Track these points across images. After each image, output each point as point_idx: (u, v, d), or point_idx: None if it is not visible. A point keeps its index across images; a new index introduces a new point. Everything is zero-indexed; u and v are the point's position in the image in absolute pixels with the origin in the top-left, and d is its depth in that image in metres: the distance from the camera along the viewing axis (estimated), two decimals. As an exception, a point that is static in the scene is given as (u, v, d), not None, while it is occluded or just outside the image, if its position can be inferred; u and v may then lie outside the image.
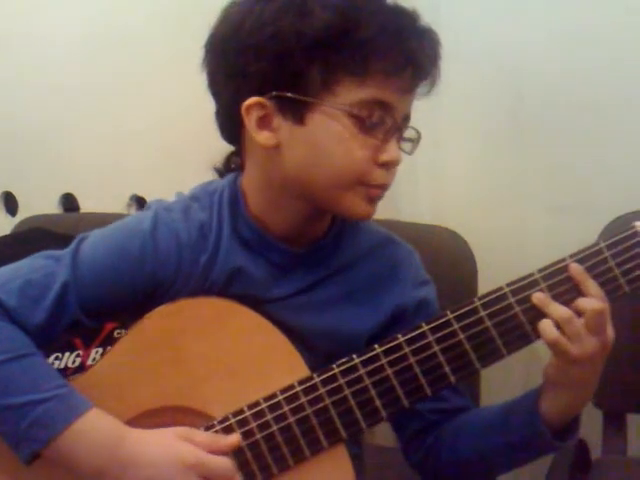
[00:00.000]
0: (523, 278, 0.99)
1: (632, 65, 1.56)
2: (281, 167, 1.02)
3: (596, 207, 1.61)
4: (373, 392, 0.99)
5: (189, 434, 0.98)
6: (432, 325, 0.99)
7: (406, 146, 1.04)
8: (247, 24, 0.99)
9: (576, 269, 0.97)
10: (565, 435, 1.02)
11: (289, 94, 0.98)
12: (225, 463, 0.97)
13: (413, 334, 1.00)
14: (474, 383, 1.48)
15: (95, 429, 0.96)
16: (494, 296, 0.99)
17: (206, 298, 1.04)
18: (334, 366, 1.00)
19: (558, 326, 0.96)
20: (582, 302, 0.96)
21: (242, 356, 1.02)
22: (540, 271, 0.99)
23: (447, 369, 0.99)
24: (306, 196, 1.04)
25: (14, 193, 2.11)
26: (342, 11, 0.96)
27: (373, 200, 1.03)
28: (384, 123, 0.99)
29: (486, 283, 1.53)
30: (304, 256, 1.09)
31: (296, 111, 0.99)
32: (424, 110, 1.67)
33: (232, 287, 1.06)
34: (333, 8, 0.96)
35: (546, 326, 0.96)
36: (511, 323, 0.98)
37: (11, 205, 2.12)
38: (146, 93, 1.87)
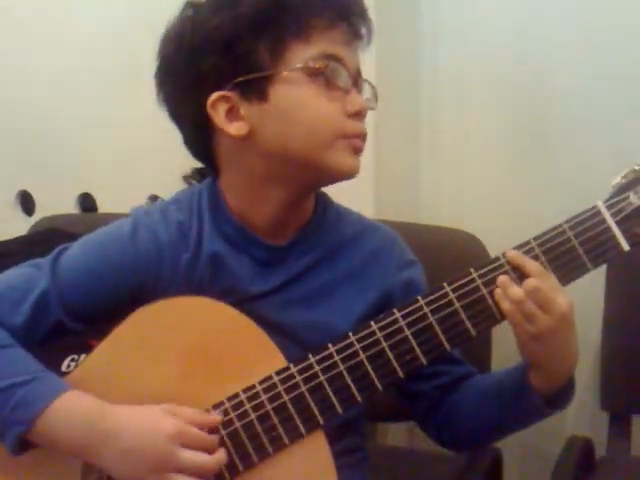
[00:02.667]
0: (491, 261, 1.02)
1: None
2: (260, 151, 1.05)
3: None
4: (347, 378, 1.02)
5: (172, 409, 1.00)
6: (404, 311, 1.02)
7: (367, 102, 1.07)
8: (187, 30, 1.04)
9: (512, 255, 1.01)
10: (557, 402, 1.05)
11: (246, 77, 1.02)
12: (207, 435, 1.00)
13: (386, 321, 1.02)
14: (485, 354, 1.51)
15: (76, 406, 0.99)
16: (462, 281, 1.02)
17: (183, 297, 1.06)
18: (310, 355, 1.03)
19: (514, 303, 0.99)
20: (524, 284, 0.99)
21: (220, 351, 1.04)
22: (504, 256, 1.01)
23: (418, 351, 1.02)
24: (290, 174, 1.06)
25: (31, 192, 2.11)
26: None
27: (356, 152, 1.05)
28: (340, 74, 1.03)
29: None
30: (287, 249, 1.11)
31: (258, 91, 1.02)
32: (449, 111, 1.70)
33: (217, 284, 1.08)
34: None
35: (501, 300, 1.00)
36: (480, 305, 1.01)
37: (28, 205, 2.11)
38: None
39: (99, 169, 2.00)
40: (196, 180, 1.86)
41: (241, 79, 1.02)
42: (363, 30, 1.06)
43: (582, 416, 1.70)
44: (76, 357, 1.45)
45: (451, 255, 1.39)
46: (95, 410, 0.99)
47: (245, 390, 1.02)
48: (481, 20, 1.78)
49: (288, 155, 1.04)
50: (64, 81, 1.99)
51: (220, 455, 1.00)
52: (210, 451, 0.99)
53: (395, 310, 1.03)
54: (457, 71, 1.83)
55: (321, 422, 1.02)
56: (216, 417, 1.01)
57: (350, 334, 1.03)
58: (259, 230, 1.10)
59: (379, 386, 1.02)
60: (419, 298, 1.02)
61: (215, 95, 1.03)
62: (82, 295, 1.07)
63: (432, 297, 1.02)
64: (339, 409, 1.02)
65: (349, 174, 1.06)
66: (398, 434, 1.94)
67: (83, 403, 1.00)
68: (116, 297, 1.07)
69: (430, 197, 1.88)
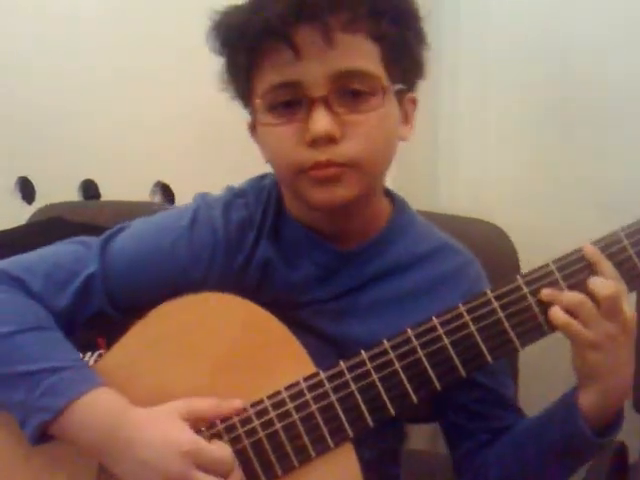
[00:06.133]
0: (537, 269, 0.95)
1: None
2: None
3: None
4: (380, 387, 0.95)
5: (190, 407, 0.95)
6: (442, 318, 0.96)
7: (369, 103, 0.95)
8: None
9: (591, 250, 0.93)
10: (605, 432, 0.96)
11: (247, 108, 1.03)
12: (224, 453, 0.93)
13: (423, 327, 0.96)
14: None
15: (103, 405, 0.94)
16: (506, 289, 0.95)
17: (211, 293, 1.00)
18: (341, 362, 0.96)
19: (571, 313, 0.91)
20: (594, 286, 0.91)
21: (246, 352, 0.98)
22: (555, 262, 0.95)
23: (456, 361, 0.95)
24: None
25: (31, 179, 2.04)
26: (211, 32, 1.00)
27: (322, 183, 0.95)
28: (296, 102, 0.95)
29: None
30: (350, 256, 1.05)
31: (253, 122, 1.03)
32: (471, 100, 1.63)
33: (265, 292, 1.04)
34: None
35: (554, 311, 0.92)
36: (525, 314, 0.94)
37: (28, 192, 2.04)
38: (173, 76, 1.80)
39: (102, 155, 1.93)
40: (158, 195, 1.80)
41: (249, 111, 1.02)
42: (332, 23, 0.91)
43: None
44: (81, 355, 1.41)
45: (474, 246, 1.34)
46: (117, 415, 0.94)
47: (270, 396, 0.96)
48: (505, 9, 1.70)
49: (284, 187, 1.04)
50: (65, 66, 1.93)
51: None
52: (225, 475, 0.93)
53: (434, 317, 0.96)
54: (477, 61, 1.75)
55: (350, 434, 0.95)
56: (237, 404, 0.95)
57: (385, 341, 0.96)
58: (323, 234, 1.04)
59: (414, 397, 0.95)
60: (460, 305, 0.95)
61: (249, 121, 1.04)
62: (128, 283, 1.03)
63: (473, 304, 0.95)
64: (369, 421, 0.96)
65: (322, 207, 0.98)
66: (420, 437, 1.88)
67: (110, 403, 0.95)
68: (161, 289, 1.02)
69: (449, 185, 1.82)
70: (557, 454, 0.99)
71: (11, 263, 1.03)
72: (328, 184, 0.95)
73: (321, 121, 0.93)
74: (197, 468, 0.91)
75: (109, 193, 1.93)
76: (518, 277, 0.95)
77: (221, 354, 0.98)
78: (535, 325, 0.94)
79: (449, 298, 1.04)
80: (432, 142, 1.81)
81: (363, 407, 0.95)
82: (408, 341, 0.96)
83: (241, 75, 0.99)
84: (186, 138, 1.81)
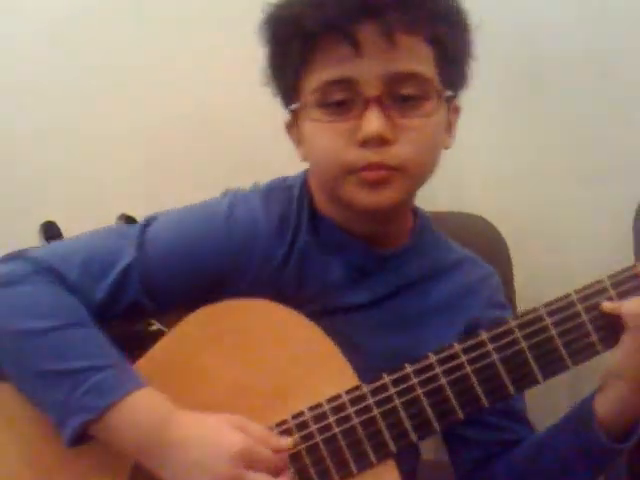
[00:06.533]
0: (591, 285, 0.92)
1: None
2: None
3: (632, 176, 1.55)
4: (425, 403, 0.92)
5: (243, 423, 0.90)
6: (492, 333, 0.93)
7: (422, 108, 0.94)
8: None
9: None
10: (625, 438, 0.94)
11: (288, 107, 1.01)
12: (276, 456, 0.90)
13: (471, 342, 0.93)
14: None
15: (149, 405, 0.90)
16: (560, 304, 0.92)
17: (254, 300, 0.96)
18: (384, 375, 0.93)
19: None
20: None
21: (288, 362, 0.95)
22: (610, 277, 0.92)
23: (505, 379, 0.92)
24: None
25: None
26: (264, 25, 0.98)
27: (372, 185, 0.93)
28: (350, 100, 0.92)
29: (521, 269, 1.47)
30: (386, 258, 1.03)
31: (295, 121, 1.01)
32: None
33: (304, 289, 1.01)
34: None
35: (627, 305, 0.89)
36: (578, 332, 0.91)
37: None
38: (132, 105, 1.70)
39: (59, 193, 1.79)
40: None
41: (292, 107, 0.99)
42: (394, 23, 0.89)
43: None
44: None
45: (463, 241, 1.32)
46: (165, 416, 0.90)
47: (311, 409, 0.93)
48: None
49: (318, 181, 1.02)
50: (20, 109, 1.74)
51: None
52: (276, 476, 0.89)
53: (483, 332, 0.93)
54: None
55: (393, 450, 0.92)
56: (288, 442, 0.91)
57: (431, 354, 0.93)
58: (356, 235, 1.02)
59: (460, 414, 0.93)
60: (510, 319, 0.93)
61: (287, 119, 1.02)
62: (166, 274, 0.98)
63: (525, 319, 0.92)
64: (413, 437, 0.93)
65: (367, 210, 0.95)
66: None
67: (155, 404, 0.91)
68: (198, 281, 0.98)
69: (441, 183, 1.79)
70: (574, 463, 0.97)
71: (47, 252, 0.99)
72: (378, 187, 0.93)
73: (375, 121, 0.91)
74: (248, 469, 0.87)
75: (72, 232, 1.85)
76: (572, 293, 0.92)
77: (262, 363, 0.94)
78: (588, 343, 0.91)
79: (473, 309, 1.05)
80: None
81: (407, 423, 0.92)
82: (455, 356, 0.93)
83: (289, 70, 0.96)
84: (144, 166, 1.76)
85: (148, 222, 1.02)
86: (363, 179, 0.93)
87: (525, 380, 0.93)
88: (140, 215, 1.04)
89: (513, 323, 0.92)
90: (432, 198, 1.68)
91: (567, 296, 0.92)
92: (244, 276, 0.98)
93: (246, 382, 0.94)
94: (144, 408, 0.90)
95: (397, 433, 0.92)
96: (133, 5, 1.68)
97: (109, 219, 1.72)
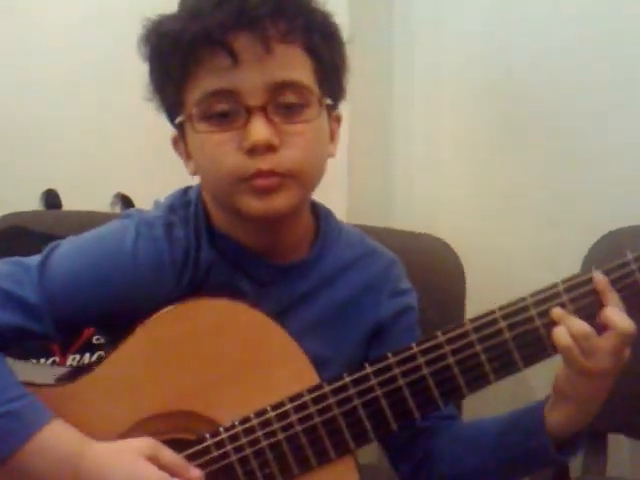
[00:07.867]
0: (546, 289, 0.96)
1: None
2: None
3: (586, 222, 1.59)
4: (384, 403, 0.96)
5: (155, 451, 0.92)
6: (448, 336, 0.96)
7: (304, 114, 0.96)
8: None
9: (600, 280, 0.94)
10: (565, 450, 0.99)
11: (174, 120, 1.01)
12: None
13: (427, 345, 0.97)
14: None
15: (54, 445, 0.91)
16: (515, 308, 0.96)
17: (212, 300, 0.99)
18: (344, 375, 0.97)
19: (575, 339, 0.93)
20: (613, 317, 0.92)
21: (249, 360, 0.97)
22: (564, 282, 0.96)
23: (460, 381, 0.96)
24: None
25: None
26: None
27: (264, 192, 0.94)
28: (233, 110, 0.94)
29: (474, 292, 1.52)
30: (284, 270, 1.04)
31: (182, 134, 1.01)
32: (422, 115, 1.64)
33: None
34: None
35: (559, 332, 0.93)
36: (530, 336, 0.95)
37: None
38: (135, 89, 1.78)
39: (65, 165, 1.88)
40: (118, 206, 1.79)
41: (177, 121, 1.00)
42: (271, 31, 0.92)
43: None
44: (35, 361, 1.37)
45: (422, 261, 1.35)
46: (74, 453, 0.91)
47: (274, 407, 0.96)
48: (458, 27, 1.73)
49: (210, 194, 1.02)
50: (29, 77, 1.87)
51: None
52: None
53: (439, 333, 0.97)
54: (430, 79, 1.78)
55: (353, 448, 0.96)
56: (197, 474, 0.93)
57: (389, 354, 0.97)
58: (253, 249, 1.03)
59: (416, 415, 0.97)
60: (467, 322, 0.96)
61: (173, 134, 1.03)
62: (73, 309, 0.97)
63: (479, 323, 0.96)
64: (372, 436, 0.97)
65: (260, 217, 0.96)
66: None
67: (62, 442, 0.91)
68: (107, 312, 0.99)
69: (403, 202, 1.83)
70: (514, 461, 1.02)
71: None
72: (270, 194, 0.95)
73: (261, 129, 0.92)
74: None
75: (70, 203, 1.90)
76: (528, 297, 0.96)
77: (220, 362, 0.97)
78: (540, 347, 0.95)
79: (377, 302, 1.07)
80: (385, 159, 1.83)
81: (366, 422, 0.96)
82: (413, 357, 0.96)
83: (172, 84, 0.97)
84: (146, 151, 1.80)
85: (50, 253, 0.99)
86: (255, 187, 0.94)
87: (478, 382, 0.96)
88: (137, 195, 1.07)
89: (469, 326, 0.96)
90: (404, 218, 1.76)
91: (523, 299, 0.96)
92: (156, 304, 0.98)
93: (208, 380, 0.96)
94: (51, 448, 0.90)
95: (356, 432, 0.96)
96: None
97: (107, 196, 1.78)
